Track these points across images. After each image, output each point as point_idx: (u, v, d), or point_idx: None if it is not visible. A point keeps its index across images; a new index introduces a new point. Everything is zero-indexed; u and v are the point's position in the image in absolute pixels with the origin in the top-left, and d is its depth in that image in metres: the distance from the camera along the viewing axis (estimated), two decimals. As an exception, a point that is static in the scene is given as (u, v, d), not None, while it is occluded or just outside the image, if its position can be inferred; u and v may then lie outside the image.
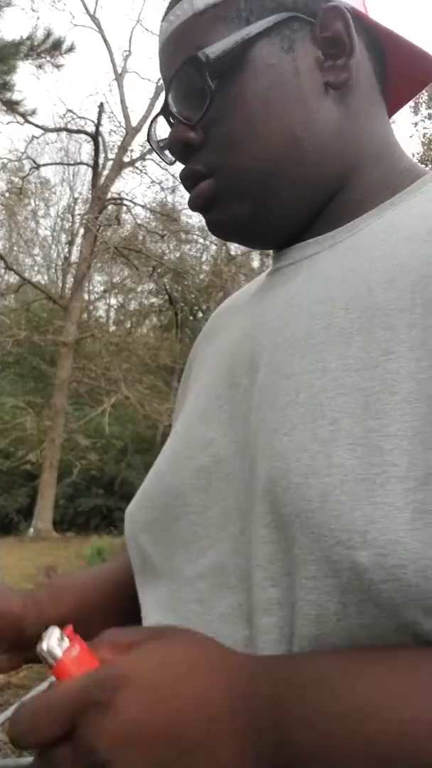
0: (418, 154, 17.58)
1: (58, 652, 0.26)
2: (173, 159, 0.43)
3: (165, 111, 0.41)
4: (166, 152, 0.43)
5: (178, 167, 0.42)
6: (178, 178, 0.43)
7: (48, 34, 6.88)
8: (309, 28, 0.39)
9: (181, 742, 0.24)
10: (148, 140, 0.45)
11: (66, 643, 0.27)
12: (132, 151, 12.32)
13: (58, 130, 12.56)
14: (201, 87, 0.38)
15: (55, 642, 0.27)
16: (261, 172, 0.39)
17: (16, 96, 7.02)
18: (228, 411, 0.38)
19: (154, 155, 12.93)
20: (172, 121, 0.41)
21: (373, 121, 0.41)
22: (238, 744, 0.25)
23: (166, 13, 0.42)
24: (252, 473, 0.34)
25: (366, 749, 0.25)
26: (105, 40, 12.50)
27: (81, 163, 14.28)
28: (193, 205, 0.41)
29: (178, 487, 0.38)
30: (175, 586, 0.36)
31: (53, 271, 17.80)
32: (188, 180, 0.41)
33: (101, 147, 11.98)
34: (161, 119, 0.43)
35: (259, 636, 0.31)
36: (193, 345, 0.52)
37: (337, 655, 0.28)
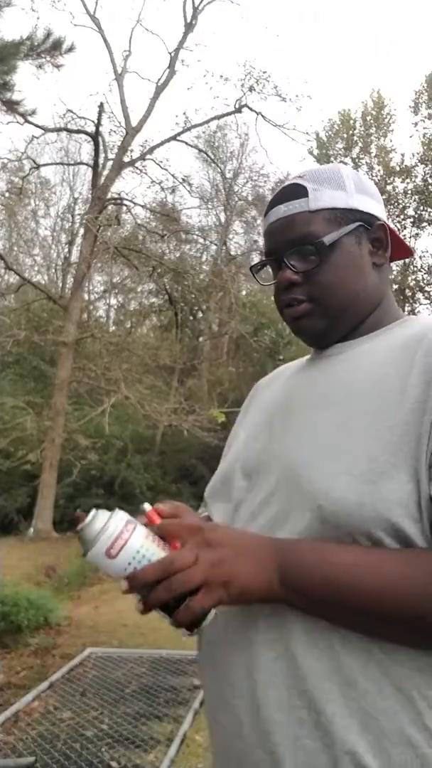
0: (417, 154, 17.60)
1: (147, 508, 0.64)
2: (268, 282, 0.75)
3: (273, 258, 0.72)
4: (260, 274, 0.79)
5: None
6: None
7: (48, 34, 6.88)
8: (367, 232, 0.71)
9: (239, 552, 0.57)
10: (251, 270, 0.80)
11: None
12: (132, 151, 12.34)
13: (58, 130, 12.58)
14: (311, 254, 0.68)
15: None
16: (340, 305, 0.70)
17: (16, 96, 7.01)
18: (263, 439, 0.71)
19: (154, 155, 12.95)
20: (279, 267, 0.71)
21: (384, 284, 0.74)
22: (264, 564, 0.57)
23: (281, 200, 0.70)
24: (279, 469, 0.65)
25: (325, 581, 0.55)
26: (105, 40, 12.53)
27: (81, 163, 14.33)
28: (289, 317, 0.72)
29: (233, 473, 0.72)
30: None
31: (53, 271, 17.83)
32: (289, 303, 0.71)
33: (101, 147, 12.00)
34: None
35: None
36: (253, 390, 0.88)
37: (320, 542, 0.58)
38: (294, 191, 0.69)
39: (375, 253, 0.71)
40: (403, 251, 0.78)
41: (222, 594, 0.54)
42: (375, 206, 0.72)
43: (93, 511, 0.59)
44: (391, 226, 0.73)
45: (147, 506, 0.63)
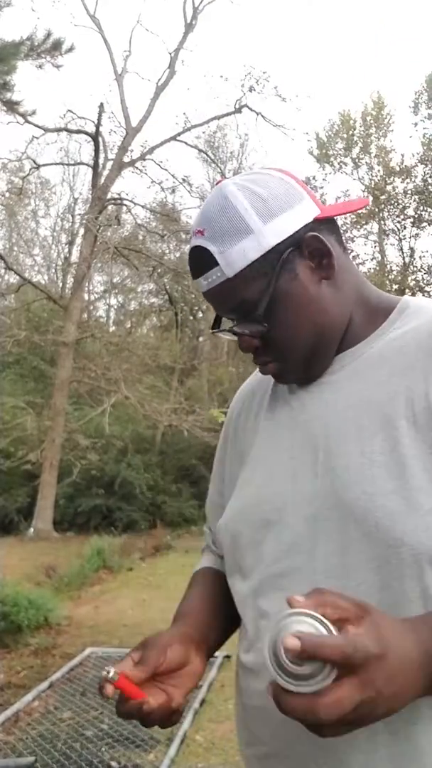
0: (417, 154, 17.60)
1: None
2: (228, 338, 0.69)
3: (219, 325, 0.68)
4: (222, 334, 0.69)
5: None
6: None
7: (48, 35, 6.88)
8: (299, 252, 0.61)
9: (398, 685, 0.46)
10: (212, 328, 0.70)
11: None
12: (132, 151, 12.34)
13: (58, 130, 12.57)
14: (254, 316, 0.61)
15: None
16: (306, 353, 0.64)
17: (16, 96, 7.02)
18: (291, 473, 0.62)
19: (154, 155, 12.96)
20: (234, 329, 0.65)
21: (351, 280, 0.66)
22: (419, 675, 0.48)
23: (197, 273, 0.63)
24: (324, 504, 0.59)
25: None
26: (105, 41, 12.54)
27: (81, 163, 14.33)
28: (266, 373, 0.67)
29: (265, 517, 0.63)
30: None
31: (53, 271, 17.84)
32: (259, 362, 0.66)
33: (101, 147, 12.00)
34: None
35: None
36: (230, 411, 0.79)
37: None
38: (203, 261, 0.61)
39: (318, 266, 0.62)
40: (351, 206, 0.68)
41: (364, 722, 0.45)
42: (294, 218, 0.60)
43: None
44: (317, 211, 0.62)
45: (111, 673, 0.54)
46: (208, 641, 0.67)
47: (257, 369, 0.72)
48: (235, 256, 0.59)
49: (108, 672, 0.53)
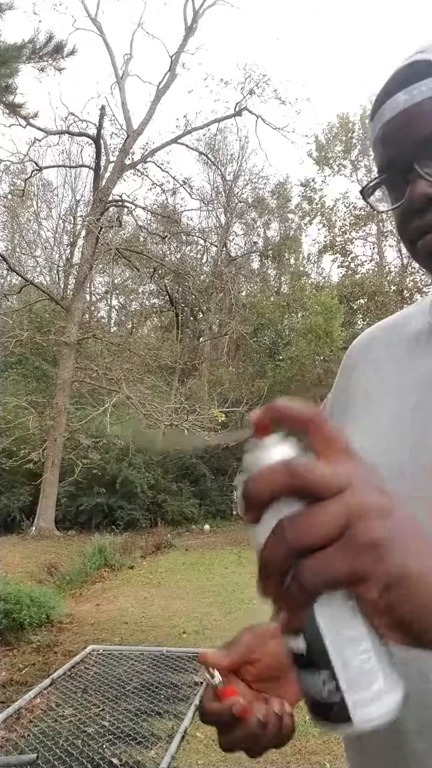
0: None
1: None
2: (386, 208, 0.52)
3: (396, 170, 0.50)
4: (373, 199, 0.55)
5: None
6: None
7: (50, 38, 6.92)
8: None
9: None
10: (362, 193, 0.55)
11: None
12: (133, 153, 12.39)
13: (60, 132, 12.63)
14: None
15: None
16: None
17: (18, 99, 7.07)
18: (419, 447, 0.48)
19: (155, 158, 12.99)
20: (406, 181, 0.49)
21: None
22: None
23: (399, 86, 0.49)
24: None
25: None
26: (106, 44, 12.58)
27: (83, 165, 14.35)
28: (428, 249, 0.50)
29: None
30: None
31: (55, 272, 17.87)
32: (425, 228, 0.49)
33: (103, 149, 12.03)
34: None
35: None
36: (349, 355, 0.63)
37: None
38: (416, 71, 0.48)
39: None
40: None
41: (364, 564, 0.26)
42: None
43: None
44: None
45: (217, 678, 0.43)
46: None
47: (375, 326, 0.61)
48: None
49: (212, 676, 0.42)
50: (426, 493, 0.43)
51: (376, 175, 0.52)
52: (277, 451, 0.29)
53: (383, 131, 0.50)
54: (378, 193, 0.55)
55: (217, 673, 0.42)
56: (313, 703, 0.30)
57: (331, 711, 0.29)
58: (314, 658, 0.29)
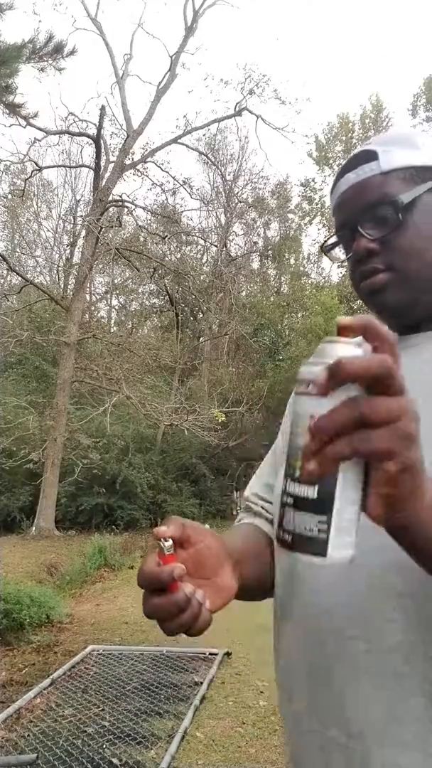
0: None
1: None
2: (341, 259, 0.68)
3: (346, 230, 0.65)
4: (332, 253, 0.70)
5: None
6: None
7: (50, 38, 6.91)
8: None
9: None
10: (322, 249, 0.70)
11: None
12: (133, 153, 12.38)
13: (60, 132, 12.62)
14: (388, 217, 0.61)
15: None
16: (423, 275, 0.62)
17: (18, 99, 7.06)
18: None
19: (156, 158, 12.99)
20: (353, 238, 0.63)
21: None
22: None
23: (350, 168, 0.64)
24: None
25: None
26: (106, 44, 12.58)
27: (83, 165, 14.35)
28: (368, 289, 0.64)
29: None
30: None
31: (55, 272, 17.87)
32: (366, 273, 0.63)
33: (103, 149, 12.03)
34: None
35: None
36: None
37: None
38: (363, 156, 0.63)
39: None
40: None
41: (400, 446, 0.36)
42: None
43: None
44: None
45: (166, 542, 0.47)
46: (242, 569, 0.57)
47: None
48: (396, 157, 0.62)
49: (165, 541, 0.47)
50: None
51: (334, 234, 0.67)
52: (356, 352, 0.37)
53: (339, 201, 0.66)
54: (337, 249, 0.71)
55: (170, 541, 0.47)
56: (295, 537, 0.39)
57: (310, 545, 0.38)
58: (319, 503, 0.37)
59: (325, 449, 0.36)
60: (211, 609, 0.49)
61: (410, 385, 0.54)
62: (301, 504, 0.38)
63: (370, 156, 0.63)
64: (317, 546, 0.38)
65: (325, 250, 0.70)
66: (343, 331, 0.38)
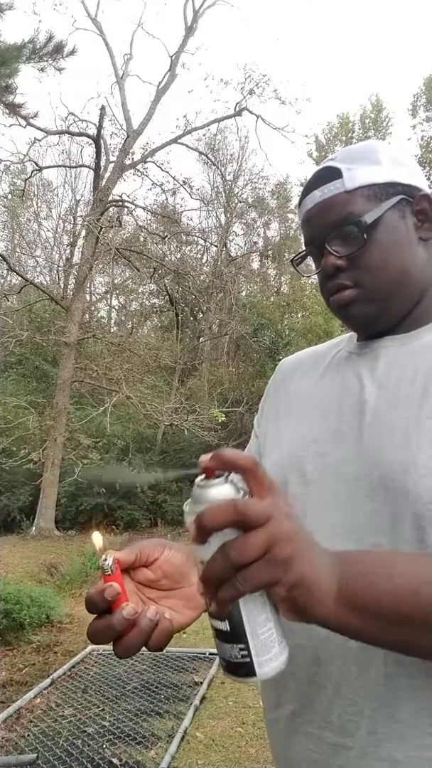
0: (416, 156, 17.60)
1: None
2: (310, 272, 0.72)
3: (314, 246, 0.68)
4: (301, 266, 0.75)
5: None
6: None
7: (50, 38, 6.91)
8: (410, 205, 0.66)
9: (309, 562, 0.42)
10: (292, 263, 0.76)
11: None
12: (133, 153, 12.37)
13: (60, 132, 12.62)
14: (353, 236, 0.64)
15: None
16: (387, 289, 0.65)
17: (18, 99, 7.07)
18: (337, 436, 0.63)
19: (156, 158, 12.99)
20: (322, 254, 0.67)
21: None
22: (327, 566, 0.43)
23: (315, 185, 0.67)
24: (363, 471, 0.59)
25: (388, 600, 0.43)
26: (106, 44, 12.57)
27: (83, 165, 14.34)
28: (336, 303, 0.67)
29: (305, 474, 0.65)
30: None
31: (55, 272, 17.87)
32: (334, 289, 0.67)
33: (103, 149, 12.03)
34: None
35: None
36: (272, 380, 0.81)
37: (377, 552, 0.52)
38: (327, 174, 0.65)
39: (420, 226, 0.66)
40: None
41: (279, 573, 0.39)
42: (415, 177, 0.67)
43: None
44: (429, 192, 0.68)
45: (108, 560, 0.48)
46: None
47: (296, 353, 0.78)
48: (361, 175, 0.64)
49: (105, 560, 0.47)
50: (345, 472, 0.61)
51: (303, 249, 0.71)
52: (223, 490, 0.40)
53: (306, 217, 0.68)
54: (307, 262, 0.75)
55: (110, 559, 0.47)
56: (228, 664, 0.43)
57: (240, 669, 0.42)
58: (233, 634, 0.41)
59: (217, 595, 0.39)
60: (181, 620, 0.52)
61: (372, 388, 0.63)
62: (221, 636, 0.42)
63: (334, 174, 0.65)
64: (246, 669, 0.42)
65: (295, 264, 0.74)
66: (207, 471, 0.41)
